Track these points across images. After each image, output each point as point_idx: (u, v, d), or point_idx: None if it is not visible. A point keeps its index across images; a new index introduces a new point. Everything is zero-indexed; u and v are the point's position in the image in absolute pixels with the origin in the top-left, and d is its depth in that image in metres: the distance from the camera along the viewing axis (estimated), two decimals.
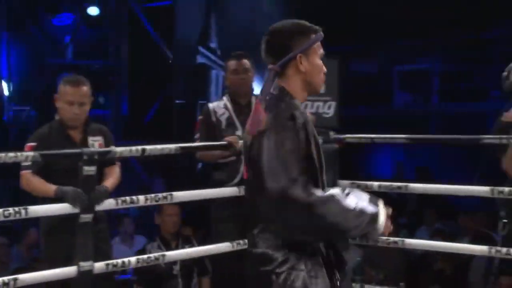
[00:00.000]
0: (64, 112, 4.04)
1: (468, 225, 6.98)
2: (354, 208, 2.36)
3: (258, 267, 2.46)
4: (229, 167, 4.37)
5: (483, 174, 3.99)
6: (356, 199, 2.39)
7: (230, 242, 4.15)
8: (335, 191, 2.40)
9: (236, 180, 4.33)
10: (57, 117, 4.11)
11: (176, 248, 5.06)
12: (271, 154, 2.34)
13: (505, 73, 4.06)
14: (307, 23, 2.53)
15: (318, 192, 2.35)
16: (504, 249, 3.90)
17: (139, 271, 5.15)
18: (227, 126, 4.41)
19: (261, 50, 2.53)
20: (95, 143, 4.07)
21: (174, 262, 4.96)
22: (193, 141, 4.44)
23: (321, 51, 2.53)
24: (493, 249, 3.97)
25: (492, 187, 3.91)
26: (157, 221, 5.33)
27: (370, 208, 2.41)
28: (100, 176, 3.93)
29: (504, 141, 3.87)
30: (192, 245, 5.11)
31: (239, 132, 4.34)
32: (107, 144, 4.07)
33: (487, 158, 4.05)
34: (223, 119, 4.43)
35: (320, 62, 2.53)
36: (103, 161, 3.91)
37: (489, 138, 3.93)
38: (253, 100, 4.49)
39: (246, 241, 4.17)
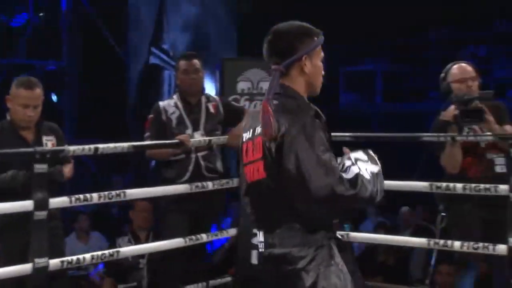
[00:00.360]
0: (16, 114, 3.96)
1: (409, 219, 7.10)
2: (371, 176, 2.34)
3: (285, 266, 2.39)
4: (178, 165, 4.33)
5: (422, 170, 4.04)
6: (364, 165, 2.37)
7: (183, 238, 4.15)
8: (354, 168, 2.35)
9: (185, 178, 4.30)
10: (8, 118, 4.02)
11: (146, 242, 5.03)
12: (310, 156, 2.27)
13: (442, 75, 4.11)
14: (310, 26, 2.49)
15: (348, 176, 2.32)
16: (441, 241, 3.98)
17: (109, 263, 5.17)
18: (177, 124, 4.36)
19: (264, 50, 2.47)
20: (48, 143, 4.02)
21: (141, 256, 4.95)
22: (144, 139, 4.39)
23: (322, 53, 2.51)
24: (432, 241, 4.05)
25: (430, 183, 3.98)
26: (131, 216, 5.37)
27: (375, 168, 2.40)
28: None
29: (442, 139, 3.94)
30: None
31: (189, 131, 4.32)
32: (59, 143, 4.02)
33: (426, 155, 4.11)
34: (173, 117, 4.38)
35: (321, 64, 2.50)
36: (58, 160, 3.90)
37: (428, 136, 4.00)
38: (203, 99, 4.47)
39: (198, 236, 4.22)
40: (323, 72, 2.51)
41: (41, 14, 9.81)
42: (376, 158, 2.45)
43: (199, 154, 4.34)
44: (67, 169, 4.07)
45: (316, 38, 2.45)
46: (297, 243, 2.36)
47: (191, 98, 4.44)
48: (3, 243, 3.96)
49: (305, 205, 2.32)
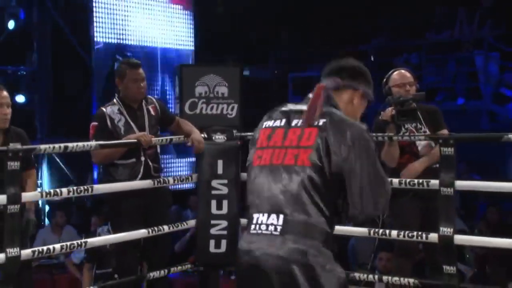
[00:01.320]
0: None
1: None
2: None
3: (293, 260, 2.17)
4: (129, 167, 4.19)
5: None
6: None
7: (146, 229, 4.11)
8: None
9: (137, 179, 4.17)
10: None
11: None
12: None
13: (384, 80, 4.19)
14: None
15: None
16: (381, 230, 4.01)
17: (89, 251, 5.30)
18: (125, 131, 4.19)
19: (338, 62, 2.50)
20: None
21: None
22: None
23: (366, 104, 2.51)
24: (372, 230, 4.09)
25: None
26: None
27: None
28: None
29: (380, 138, 3.99)
30: None
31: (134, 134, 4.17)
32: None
33: None
34: (120, 124, 4.20)
35: (362, 109, 2.49)
36: (25, 163, 3.78)
37: None
38: (143, 102, 4.31)
39: (160, 228, 4.18)
40: (360, 115, 2.49)
41: (12, 22, 9.60)
42: None
43: (148, 157, 4.22)
44: (32, 177, 4.02)
45: (371, 92, 2.50)
46: (319, 236, 2.22)
47: (134, 104, 4.29)
48: None
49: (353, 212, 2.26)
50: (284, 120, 2.36)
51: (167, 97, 9.70)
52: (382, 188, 2.30)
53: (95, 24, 9.23)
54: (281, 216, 2.19)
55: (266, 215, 2.22)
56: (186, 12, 9.84)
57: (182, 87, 4.81)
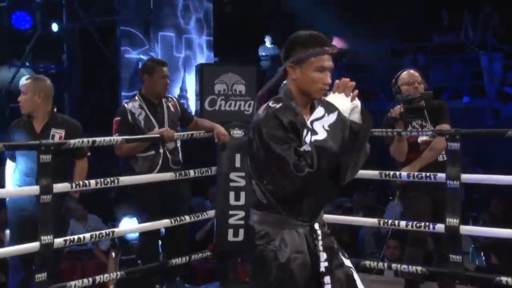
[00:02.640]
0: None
1: (361, 202, 7.13)
2: (327, 132, 2.17)
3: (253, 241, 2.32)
4: (149, 160, 4.19)
5: (376, 161, 4.06)
6: (320, 123, 2.20)
7: (169, 219, 4.12)
8: (307, 138, 2.19)
9: (156, 171, 4.18)
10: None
11: None
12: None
13: (393, 80, 4.15)
14: (315, 36, 2.31)
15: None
16: (390, 221, 3.99)
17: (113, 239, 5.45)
18: (145, 124, 4.21)
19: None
20: (56, 135, 3.97)
21: None
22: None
23: (324, 64, 2.29)
24: (381, 221, 4.07)
25: (380, 171, 4.00)
26: None
27: (333, 116, 2.20)
28: (72, 165, 3.99)
29: (389, 134, 3.97)
30: None
31: (156, 129, 4.19)
32: (69, 137, 3.91)
33: (378, 148, 4.12)
34: (141, 118, 4.22)
35: (314, 74, 2.28)
36: (74, 152, 3.92)
37: (377, 131, 4.01)
38: (163, 99, 4.33)
39: (182, 218, 4.19)
40: (324, 81, 2.29)
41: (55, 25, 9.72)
42: (339, 98, 2.22)
43: (167, 149, 4.23)
44: (83, 164, 4.08)
45: (312, 49, 2.28)
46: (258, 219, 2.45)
47: (156, 99, 4.31)
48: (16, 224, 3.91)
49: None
50: None
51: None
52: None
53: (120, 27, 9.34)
54: None
55: None
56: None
57: (202, 85, 4.80)
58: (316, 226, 2.31)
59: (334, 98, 2.24)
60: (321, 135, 2.18)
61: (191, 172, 4.35)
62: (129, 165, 4.25)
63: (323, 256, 2.26)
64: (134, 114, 4.22)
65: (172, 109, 4.35)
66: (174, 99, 4.49)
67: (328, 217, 4.98)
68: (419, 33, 10.64)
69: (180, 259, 4.24)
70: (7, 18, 9.38)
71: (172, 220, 4.13)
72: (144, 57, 9.92)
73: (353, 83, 2.26)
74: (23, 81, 3.99)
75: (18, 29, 9.40)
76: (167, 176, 4.16)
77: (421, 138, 3.98)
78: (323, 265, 2.24)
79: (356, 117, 2.25)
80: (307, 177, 2.15)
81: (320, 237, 2.29)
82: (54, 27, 9.78)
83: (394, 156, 4.04)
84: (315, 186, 2.22)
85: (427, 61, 10.29)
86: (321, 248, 2.27)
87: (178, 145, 4.36)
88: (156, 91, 4.30)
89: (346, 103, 2.23)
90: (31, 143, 3.56)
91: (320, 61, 2.29)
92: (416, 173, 3.86)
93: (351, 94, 2.24)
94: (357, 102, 2.26)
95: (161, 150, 4.21)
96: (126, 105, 4.31)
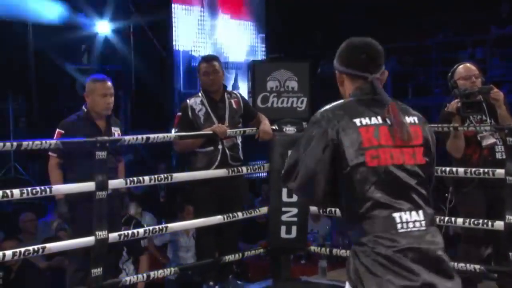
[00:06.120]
0: (97, 104, 3.99)
1: None
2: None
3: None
4: (207, 155, 4.21)
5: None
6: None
7: (221, 215, 4.14)
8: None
9: (214, 166, 4.20)
10: (84, 109, 4.04)
11: None
12: None
13: (450, 74, 4.06)
14: (358, 56, 2.22)
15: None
16: (446, 218, 3.91)
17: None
18: (205, 120, 4.23)
19: (375, 58, 2.18)
20: (116, 133, 4.06)
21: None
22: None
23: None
24: (437, 218, 3.98)
25: (436, 167, 3.91)
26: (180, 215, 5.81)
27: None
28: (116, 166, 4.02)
29: (446, 129, 3.88)
30: None
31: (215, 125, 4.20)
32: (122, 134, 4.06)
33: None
34: (201, 114, 4.24)
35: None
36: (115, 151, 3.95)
37: (433, 127, 3.92)
38: (226, 95, 4.34)
39: (235, 214, 4.21)
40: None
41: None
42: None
43: (226, 145, 4.24)
44: (121, 163, 4.15)
45: (348, 68, 2.23)
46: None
47: (214, 95, 4.31)
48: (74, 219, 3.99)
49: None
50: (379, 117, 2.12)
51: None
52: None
53: (174, 25, 9.45)
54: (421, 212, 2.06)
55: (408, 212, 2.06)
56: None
57: (254, 82, 4.80)
58: None
59: None
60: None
61: (244, 168, 4.35)
62: (189, 161, 4.30)
63: None
64: (194, 110, 4.25)
65: (234, 105, 4.35)
66: (238, 95, 4.48)
67: None
68: (477, 25, 10.39)
69: (233, 256, 4.25)
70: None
71: (225, 217, 4.15)
72: (196, 55, 10.01)
73: None
74: (109, 84, 4.06)
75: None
76: (220, 172, 4.18)
77: (486, 142, 3.87)
78: None
79: None
80: None
81: None
82: (109, 26, 9.97)
83: (450, 152, 3.95)
84: None
85: (484, 54, 10.03)
86: None
87: (238, 141, 4.36)
88: (204, 88, 4.30)
89: None
90: (87, 140, 3.63)
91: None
92: (473, 169, 3.77)
93: None
94: None
95: (220, 147, 4.22)
96: (188, 101, 4.34)
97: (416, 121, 2.15)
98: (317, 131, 2.10)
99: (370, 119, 2.08)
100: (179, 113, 4.31)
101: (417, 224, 2.03)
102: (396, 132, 2.08)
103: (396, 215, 2.02)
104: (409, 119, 2.13)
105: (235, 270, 4.62)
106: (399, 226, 2.02)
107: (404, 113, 2.14)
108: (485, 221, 3.69)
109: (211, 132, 4.13)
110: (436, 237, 2.05)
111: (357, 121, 2.07)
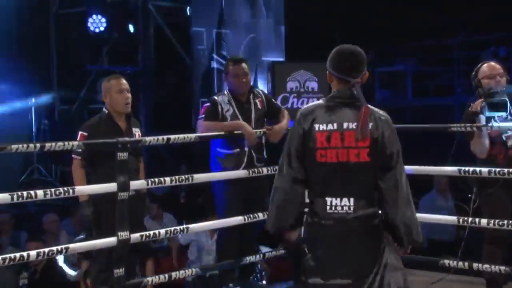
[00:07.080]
0: (116, 102, 3.99)
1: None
2: None
3: (373, 221, 2.66)
4: (235, 157, 4.21)
5: (454, 156, 3.92)
6: None
7: (242, 216, 4.13)
8: None
9: (241, 168, 4.19)
10: (105, 110, 4.05)
11: None
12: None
13: (473, 73, 4.01)
14: (340, 63, 2.71)
15: None
16: (470, 219, 3.87)
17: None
18: (231, 121, 4.22)
19: (350, 64, 2.66)
20: (136, 133, 4.07)
21: None
22: (198, 120, 4.30)
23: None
24: (461, 219, 3.94)
25: (459, 168, 3.87)
26: None
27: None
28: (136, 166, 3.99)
29: (469, 129, 3.83)
30: None
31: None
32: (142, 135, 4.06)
33: (456, 143, 3.99)
34: (228, 114, 4.22)
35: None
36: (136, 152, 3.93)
37: (455, 126, 3.88)
38: (251, 96, 4.32)
39: (255, 215, 4.18)
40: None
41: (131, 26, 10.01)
42: None
43: (252, 147, 4.22)
44: (141, 164, 4.14)
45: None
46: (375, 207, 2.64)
47: (241, 96, 4.29)
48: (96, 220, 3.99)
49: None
50: (336, 124, 2.62)
51: None
52: None
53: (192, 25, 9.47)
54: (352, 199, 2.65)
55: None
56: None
57: (274, 83, 4.79)
58: None
59: None
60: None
61: (264, 169, 4.33)
62: (218, 162, 4.28)
63: None
64: (223, 109, 4.23)
65: (259, 106, 4.33)
66: (262, 94, 4.45)
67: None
68: (500, 23, 10.26)
69: (254, 256, 4.24)
70: (83, 23, 9.67)
71: (246, 217, 4.13)
72: (217, 56, 10.02)
73: None
74: (124, 81, 4.06)
75: (94, 33, 9.68)
76: (241, 173, 4.17)
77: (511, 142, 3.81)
78: None
79: None
80: None
81: None
82: (130, 28, 10.03)
83: (474, 152, 3.89)
84: None
85: (508, 52, 9.90)
86: None
87: (263, 141, 4.35)
88: (233, 90, 4.29)
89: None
90: (108, 141, 3.64)
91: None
92: (498, 169, 3.71)
93: None
94: None
95: (246, 148, 4.22)
96: (216, 97, 4.31)
97: (374, 127, 2.61)
98: (295, 128, 2.70)
99: (326, 126, 2.62)
100: (208, 104, 4.29)
101: (345, 208, 2.61)
102: (346, 136, 2.60)
103: (328, 199, 2.64)
104: (370, 124, 2.60)
105: (256, 270, 4.60)
106: (328, 207, 2.64)
107: (370, 118, 2.60)
108: (510, 222, 3.64)
109: (240, 132, 4.11)
110: (360, 221, 2.60)
111: (316, 126, 2.63)
